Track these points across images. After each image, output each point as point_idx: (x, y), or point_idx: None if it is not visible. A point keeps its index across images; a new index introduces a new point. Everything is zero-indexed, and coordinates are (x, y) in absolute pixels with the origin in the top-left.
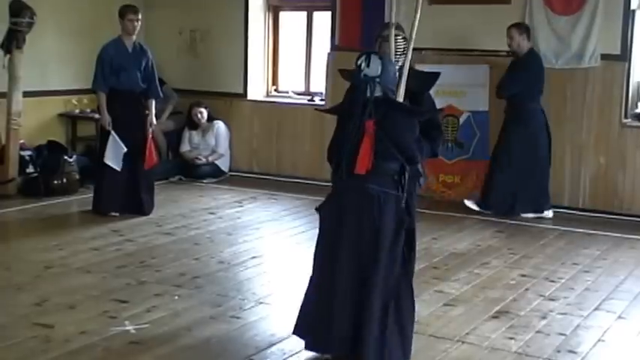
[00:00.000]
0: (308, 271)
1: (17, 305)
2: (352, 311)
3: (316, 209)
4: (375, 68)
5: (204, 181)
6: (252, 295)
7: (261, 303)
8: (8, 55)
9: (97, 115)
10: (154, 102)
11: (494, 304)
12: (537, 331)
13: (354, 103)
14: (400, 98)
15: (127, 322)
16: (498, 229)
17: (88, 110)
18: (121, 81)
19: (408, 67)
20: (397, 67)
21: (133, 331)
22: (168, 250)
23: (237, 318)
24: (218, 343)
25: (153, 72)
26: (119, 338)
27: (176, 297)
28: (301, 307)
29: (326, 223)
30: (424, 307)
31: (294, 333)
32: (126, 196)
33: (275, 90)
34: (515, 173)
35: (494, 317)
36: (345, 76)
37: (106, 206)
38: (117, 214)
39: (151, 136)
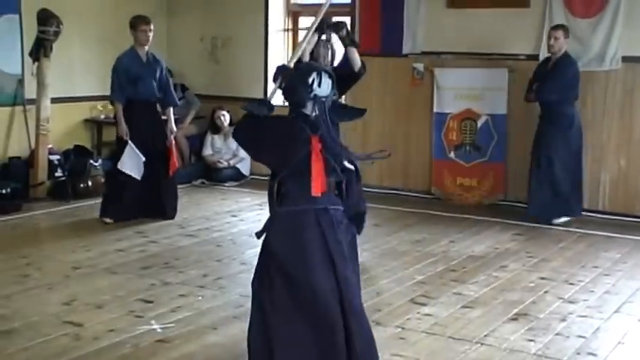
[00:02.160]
0: None
1: (48, 304)
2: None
3: (257, 235)
4: (325, 89)
5: (226, 184)
6: None
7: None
8: (36, 63)
9: None
10: (172, 110)
11: (513, 307)
12: (557, 334)
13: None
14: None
15: (153, 322)
16: (517, 232)
17: (112, 116)
18: (139, 91)
19: None
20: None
21: (159, 330)
22: (191, 252)
23: None
24: (242, 342)
25: (168, 81)
26: (146, 336)
27: (200, 297)
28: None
29: (282, 249)
30: (443, 308)
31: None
32: (147, 202)
33: None
34: (558, 178)
35: (513, 319)
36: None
37: (126, 213)
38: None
39: (173, 142)
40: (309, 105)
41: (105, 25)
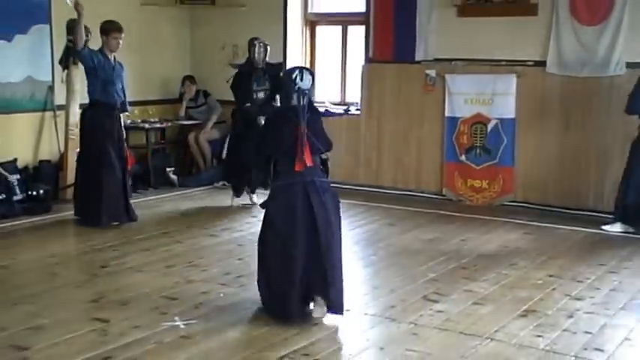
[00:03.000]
0: (345, 270)
1: (76, 301)
2: (313, 273)
3: (261, 206)
4: (306, 82)
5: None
6: None
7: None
8: (66, 71)
9: (147, 125)
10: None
11: (522, 303)
12: (564, 330)
13: (288, 110)
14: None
15: (176, 318)
16: (526, 231)
17: (139, 120)
18: (108, 94)
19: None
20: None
21: (183, 326)
22: (214, 251)
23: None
24: (262, 338)
25: (124, 88)
26: (170, 333)
27: (221, 294)
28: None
29: (277, 215)
30: (454, 305)
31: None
32: (116, 204)
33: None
34: None
35: (522, 316)
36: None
37: (109, 217)
38: (117, 223)
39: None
40: (295, 96)
41: (131, 34)
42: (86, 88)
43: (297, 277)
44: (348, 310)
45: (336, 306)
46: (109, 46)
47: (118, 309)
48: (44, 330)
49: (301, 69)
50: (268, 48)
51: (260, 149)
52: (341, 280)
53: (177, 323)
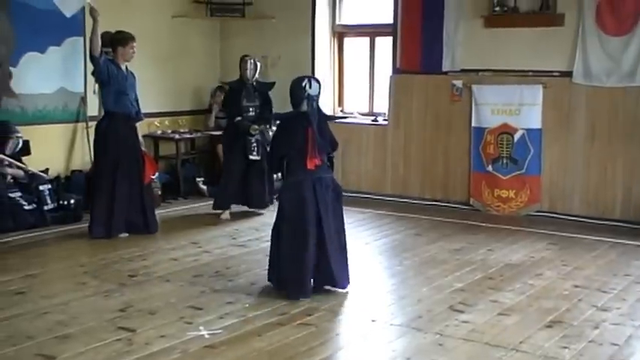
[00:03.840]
0: (371, 280)
1: (104, 310)
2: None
3: (276, 199)
4: (315, 89)
5: (276, 196)
6: (319, 303)
7: (326, 310)
8: (98, 82)
9: (177, 136)
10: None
11: (548, 314)
12: (590, 341)
13: (300, 115)
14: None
15: (201, 328)
16: (551, 241)
17: (169, 131)
18: (120, 104)
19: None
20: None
21: (207, 336)
22: (241, 261)
23: (305, 324)
24: (287, 348)
25: (137, 97)
26: (195, 342)
27: (247, 305)
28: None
29: (290, 206)
30: (479, 315)
31: (279, 288)
32: (130, 216)
33: (341, 111)
34: None
35: (548, 327)
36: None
37: (116, 229)
38: (126, 235)
39: (146, 153)
40: (305, 102)
41: (162, 46)
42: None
43: (311, 262)
44: (374, 321)
45: (339, 283)
46: (124, 57)
47: (144, 318)
48: (71, 339)
49: (309, 78)
50: (259, 65)
51: (274, 150)
52: (343, 261)
53: (202, 333)
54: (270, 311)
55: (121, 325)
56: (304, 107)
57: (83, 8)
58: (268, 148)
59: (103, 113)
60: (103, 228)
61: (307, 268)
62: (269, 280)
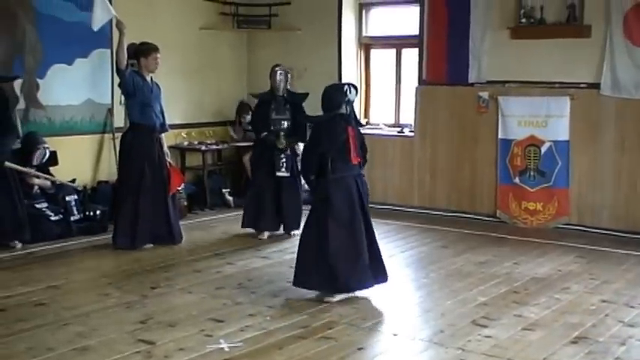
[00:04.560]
0: (396, 293)
1: (124, 322)
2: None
3: (323, 195)
4: (353, 95)
5: (303, 207)
6: (340, 316)
7: (348, 324)
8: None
9: (203, 147)
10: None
11: (574, 330)
12: (616, 358)
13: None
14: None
15: (221, 341)
16: (579, 254)
17: (196, 142)
18: (146, 116)
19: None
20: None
21: (227, 349)
22: (264, 273)
23: (326, 338)
24: None
25: (162, 108)
26: (214, 355)
27: (268, 317)
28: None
29: (340, 202)
30: (503, 330)
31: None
32: (158, 227)
33: (367, 122)
34: None
35: (573, 342)
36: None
37: (140, 240)
38: (150, 246)
39: (172, 165)
40: (344, 106)
41: (190, 58)
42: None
43: (364, 251)
44: (395, 335)
45: (384, 276)
46: (148, 68)
47: (164, 330)
48: (90, 351)
49: (349, 84)
50: (289, 75)
51: (311, 148)
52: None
53: (222, 346)
54: (291, 324)
55: (140, 337)
56: (343, 110)
57: (110, 21)
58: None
59: (128, 125)
60: (128, 239)
61: (364, 260)
62: (299, 284)
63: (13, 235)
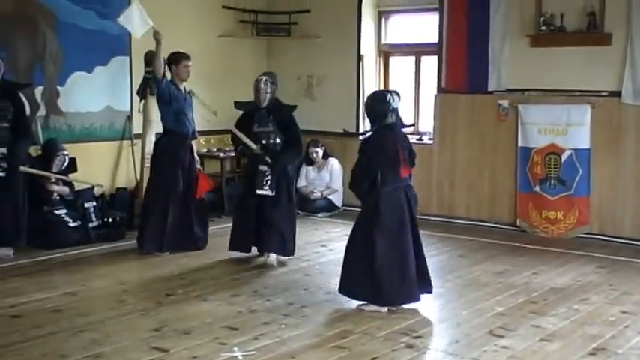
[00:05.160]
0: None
1: (139, 329)
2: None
3: (372, 207)
4: (397, 102)
5: (319, 215)
6: (355, 325)
7: (362, 333)
8: (143, 101)
9: (221, 154)
10: (194, 142)
11: (592, 341)
12: None
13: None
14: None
15: (235, 349)
16: (600, 264)
17: (214, 150)
18: (179, 124)
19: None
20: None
21: (241, 358)
22: (280, 280)
23: (339, 347)
24: None
25: (193, 116)
26: None
27: (283, 325)
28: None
29: (390, 215)
30: (520, 341)
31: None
32: (180, 232)
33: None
34: None
35: (592, 354)
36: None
37: (166, 244)
38: (167, 254)
39: (201, 171)
40: (390, 115)
41: (209, 65)
42: (159, 118)
43: (412, 265)
44: (410, 346)
45: (429, 287)
46: (179, 76)
47: (178, 338)
48: (103, 358)
49: (391, 91)
50: (274, 86)
51: (368, 167)
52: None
53: (236, 354)
54: (305, 332)
55: (154, 344)
56: (390, 120)
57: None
58: (296, 184)
59: (162, 131)
60: (155, 243)
61: (412, 274)
62: (345, 293)
63: (8, 240)
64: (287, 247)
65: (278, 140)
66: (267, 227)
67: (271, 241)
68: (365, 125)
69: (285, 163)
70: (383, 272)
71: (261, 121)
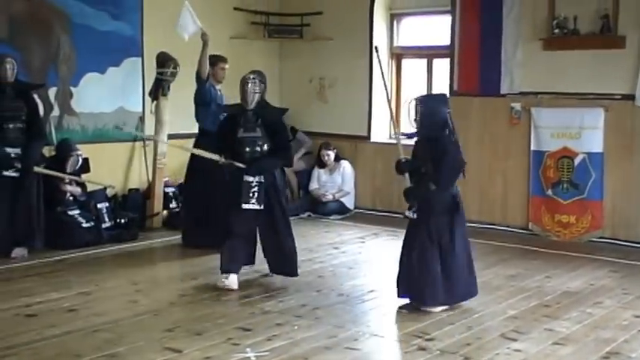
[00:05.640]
0: None
1: (152, 330)
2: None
3: (458, 205)
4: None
5: (331, 217)
6: (367, 327)
7: (374, 335)
8: (155, 102)
9: None
10: None
11: (605, 345)
12: None
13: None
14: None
15: (248, 350)
16: (613, 268)
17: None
18: (216, 124)
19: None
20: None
21: (254, 358)
22: (292, 282)
23: (352, 349)
24: None
25: None
26: None
27: (296, 327)
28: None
29: (462, 212)
30: (533, 345)
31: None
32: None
33: (395, 132)
34: None
35: (605, 358)
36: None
37: (203, 241)
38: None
39: None
40: (449, 121)
41: None
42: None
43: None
44: (422, 349)
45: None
46: (216, 77)
47: (191, 339)
48: (118, 358)
49: (443, 94)
50: (263, 86)
51: (460, 164)
52: None
53: (248, 355)
54: (318, 334)
55: (167, 345)
56: (450, 125)
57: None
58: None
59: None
60: (195, 238)
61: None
62: (404, 294)
63: (23, 241)
64: (293, 267)
65: (266, 148)
66: (268, 247)
67: (275, 262)
68: (379, 128)
69: (261, 168)
70: (463, 269)
71: (248, 125)
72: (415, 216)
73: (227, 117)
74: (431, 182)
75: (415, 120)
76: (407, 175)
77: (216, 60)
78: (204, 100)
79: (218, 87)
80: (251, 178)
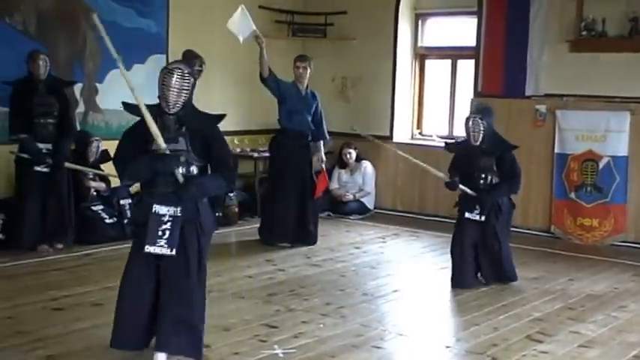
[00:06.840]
0: (447, 306)
1: None
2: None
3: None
4: None
5: (351, 217)
6: (393, 326)
7: (400, 335)
8: None
9: (255, 154)
10: (322, 143)
11: (631, 348)
12: None
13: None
14: None
15: (276, 346)
16: (636, 272)
17: (248, 150)
18: (294, 122)
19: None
20: None
21: (281, 355)
22: (316, 281)
23: (378, 348)
24: None
25: (321, 116)
26: None
27: (321, 325)
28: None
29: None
30: (559, 347)
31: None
32: (296, 227)
33: (419, 133)
34: None
35: None
36: None
37: (278, 237)
38: (288, 245)
39: (324, 170)
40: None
41: (243, 66)
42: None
43: None
44: (448, 347)
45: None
46: (295, 76)
47: (218, 335)
48: (146, 352)
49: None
50: (192, 79)
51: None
52: None
53: (276, 352)
54: (344, 332)
55: None
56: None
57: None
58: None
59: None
60: (270, 234)
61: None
62: (460, 285)
63: (54, 236)
64: (199, 346)
65: (193, 168)
66: (165, 316)
67: (172, 337)
68: (401, 128)
69: (188, 194)
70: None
71: (167, 132)
72: (483, 218)
73: (136, 122)
74: (500, 189)
75: (474, 133)
76: (461, 186)
77: (294, 59)
78: (276, 98)
79: (304, 85)
80: (164, 210)
